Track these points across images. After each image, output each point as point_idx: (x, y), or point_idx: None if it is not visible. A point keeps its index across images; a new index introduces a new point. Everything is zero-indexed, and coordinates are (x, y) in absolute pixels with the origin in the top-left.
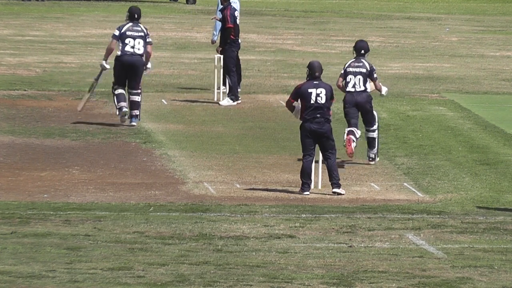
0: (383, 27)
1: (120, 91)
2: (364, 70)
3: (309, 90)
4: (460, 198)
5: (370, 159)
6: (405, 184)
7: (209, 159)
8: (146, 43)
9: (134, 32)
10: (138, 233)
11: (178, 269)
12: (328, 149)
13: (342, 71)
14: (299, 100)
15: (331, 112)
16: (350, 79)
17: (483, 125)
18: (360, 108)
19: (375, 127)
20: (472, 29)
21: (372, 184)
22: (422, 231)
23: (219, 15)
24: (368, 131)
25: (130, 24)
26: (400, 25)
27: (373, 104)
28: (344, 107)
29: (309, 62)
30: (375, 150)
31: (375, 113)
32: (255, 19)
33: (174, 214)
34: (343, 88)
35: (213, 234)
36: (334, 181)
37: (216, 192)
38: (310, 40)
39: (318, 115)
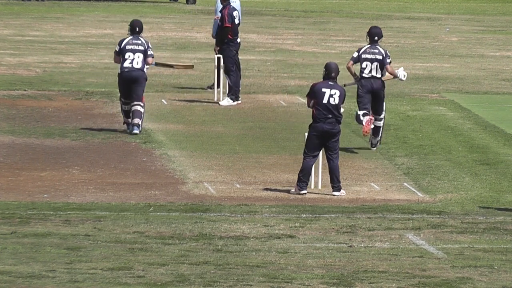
0: (383, 27)
1: (127, 107)
2: (380, 57)
3: (323, 90)
4: (460, 198)
5: (373, 145)
6: (405, 184)
7: (209, 159)
8: (146, 57)
9: (133, 46)
10: (138, 233)
11: (178, 269)
12: (332, 150)
13: (355, 55)
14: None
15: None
16: (367, 65)
17: (483, 125)
18: (374, 95)
19: (382, 116)
20: (472, 29)
21: (372, 184)
22: (422, 231)
23: (218, 15)
24: (375, 119)
25: (130, 37)
26: (400, 25)
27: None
28: (359, 92)
29: (326, 63)
30: (379, 137)
31: (383, 103)
32: (255, 19)
33: (174, 214)
34: (350, 72)
35: (213, 234)
36: (335, 185)
37: (216, 192)
38: (310, 40)
39: (330, 116)
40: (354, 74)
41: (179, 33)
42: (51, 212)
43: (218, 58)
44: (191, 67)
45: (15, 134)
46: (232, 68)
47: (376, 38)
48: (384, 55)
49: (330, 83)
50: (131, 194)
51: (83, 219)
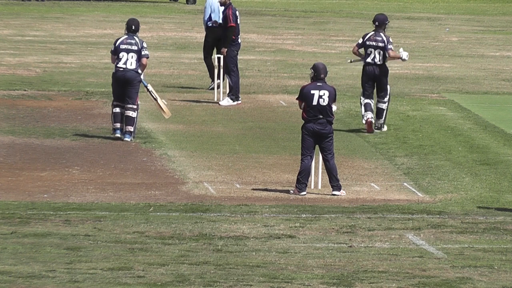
0: None
1: (116, 110)
2: (382, 44)
3: (312, 92)
4: (460, 198)
5: (376, 127)
6: (405, 184)
7: (209, 159)
8: (140, 57)
9: (127, 46)
10: (138, 233)
11: (178, 269)
12: (327, 151)
13: (360, 41)
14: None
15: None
16: (371, 51)
17: (483, 125)
18: (377, 80)
19: (386, 99)
20: (472, 29)
21: (372, 184)
22: (422, 231)
23: (218, 19)
24: (379, 102)
25: (125, 37)
26: (400, 25)
27: (388, 78)
28: (363, 78)
29: (314, 64)
30: (382, 120)
31: (388, 86)
32: (255, 19)
33: (174, 214)
34: (358, 54)
35: (213, 234)
36: (334, 184)
37: (216, 192)
38: (310, 40)
39: (321, 116)
40: (360, 55)
41: (179, 33)
42: (51, 212)
43: (218, 58)
44: (166, 114)
45: (15, 134)
46: (233, 68)
47: (377, 23)
48: (386, 42)
49: (318, 84)
50: (131, 194)
51: (83, 219)
